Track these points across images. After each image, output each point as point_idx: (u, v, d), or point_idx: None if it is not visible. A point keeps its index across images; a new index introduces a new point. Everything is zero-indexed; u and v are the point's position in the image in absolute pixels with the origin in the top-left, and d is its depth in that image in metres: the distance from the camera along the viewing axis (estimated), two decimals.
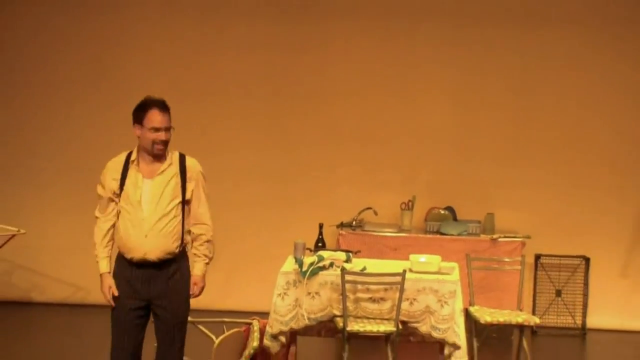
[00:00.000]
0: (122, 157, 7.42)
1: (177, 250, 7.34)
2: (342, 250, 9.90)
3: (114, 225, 7.41)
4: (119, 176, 7.32)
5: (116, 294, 7.31)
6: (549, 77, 12.39)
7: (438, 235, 11.97)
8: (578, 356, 11.74)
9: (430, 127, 12.52)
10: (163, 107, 7.29)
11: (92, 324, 11.64)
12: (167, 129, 7.29)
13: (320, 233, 10.30)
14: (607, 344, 11.98)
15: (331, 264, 9.16)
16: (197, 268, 7.54)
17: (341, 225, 12.02)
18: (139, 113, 7.29)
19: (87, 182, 12.02)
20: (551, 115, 12.36)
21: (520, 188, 12.36)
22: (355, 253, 9.93)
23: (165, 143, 7.31)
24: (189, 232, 7.49)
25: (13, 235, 11.31)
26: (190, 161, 7.46)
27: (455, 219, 12.20)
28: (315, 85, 12.55)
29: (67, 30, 12.58)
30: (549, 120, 12.38)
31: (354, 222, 12.08)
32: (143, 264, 7.28)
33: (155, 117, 7.22)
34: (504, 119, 12.39)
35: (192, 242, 7.52)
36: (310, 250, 9.74)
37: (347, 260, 9.31)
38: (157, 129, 7.22)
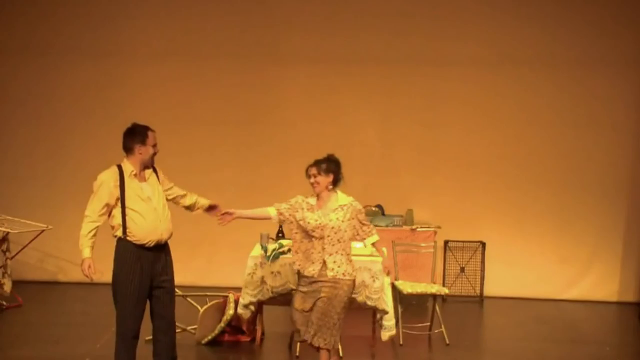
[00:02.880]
0: (115, 169, 7.40)
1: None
2: None
3: (98, 227, 7.32)
4: (118, 184, 7.29)
5: (95, 273, 7.32)
6: (450, 109, 12.42)
7: None
8: (477, 317, 11.72)
9: (362, 144, 12.47)
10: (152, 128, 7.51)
11: (104, 297, 11.47)
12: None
13: (280, 226, 10.25)
14: (499, 307, 12.01)
15: (289, 250, 9.12)
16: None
17: None
18: (141, 137, 7.39)
19: None
20: (452, 137, 12.36)
21: (432, 190, 12.36)
22: None
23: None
24: None
25: (42, 231, 11.20)
26: (158, 169, 7.60)
27: (383, 214, 12.16)
28: (271, 114, 12.46)
29: (79, 70, 12.45)
30: (451, 141, 12.40)
31: None
32: (152, 247, 7.31)
33: (153, 135, 7.43)
34: (418, 139, 12.37)
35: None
36: (273, 239, 9.69)
37: None
38: (155, 145, 7.42)
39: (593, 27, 12.19)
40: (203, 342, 9.34)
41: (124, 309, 7.37)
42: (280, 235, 10.11)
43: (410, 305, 10.76)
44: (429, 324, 10.09)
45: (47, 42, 12.39)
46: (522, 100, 12.35)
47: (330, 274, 7.55)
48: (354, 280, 7.70)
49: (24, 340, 9.45)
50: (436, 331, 9.88)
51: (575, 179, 12.36)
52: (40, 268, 12.42)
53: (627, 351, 10.10)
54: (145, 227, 7.26)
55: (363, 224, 7.82)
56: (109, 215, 7.35)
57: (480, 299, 12.28)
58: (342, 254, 7.61)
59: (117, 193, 7.26)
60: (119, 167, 7.37)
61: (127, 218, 7.26)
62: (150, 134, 7.39)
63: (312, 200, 7.79)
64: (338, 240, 7.59)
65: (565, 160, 12.36)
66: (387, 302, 9.02)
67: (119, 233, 7.30)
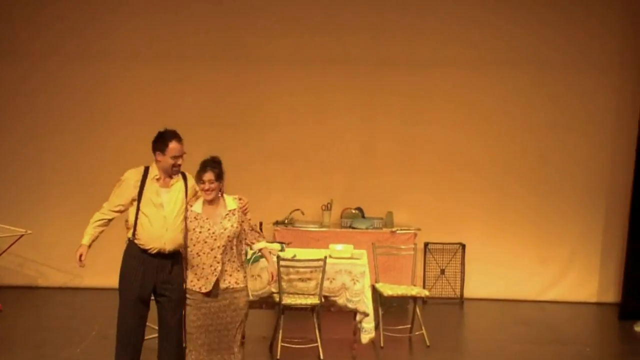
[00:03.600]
0: (141, 170, 7.32)
1: (183, 243, 7.27)
2: (277, 242, 9.87)
3: (109, 221, 7.30)
4: (138, 185, 7.23)
5: (84, 261, 7.23)
6: (431, 110, 12.41)
7: (350, 229, 11.93)
8: (458, 319, 11.74)
9: (341, 147, 12.48)
10: (179, 138, 7.28)
11: (85, 303, 11.50)
12: (182, 156, 7.29)
13: (260, 229, 10.21)
14: (479, 308, 12.05)
15: (269, 253, 9.10)
16: None
17: (276, 223, 11.94)
18: (161, 144, 7.22)
19: (82, 189, 12.10)
20: (432, 138, 12.41)
21: (412, 193, 12.36)
22: (288, 244, 9.91)
23: (181, 165, 7.31)
24: None
25: (22, 235, 11.14)
26: (189, 176, 7.41)
27: (363, 217, 12.16)
28: (253, 116, 12.41)
29: (65, 73, 12.35)
30: (431, 142, 12.42)
31: (286, 220, 12.02)
32: (157, 255, 7.20)
33: (175, 147, 7.22)
34: (397, 141, 12.41)
35: None
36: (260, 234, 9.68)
37: (282, 250, 9.30)
38: (176, 157, 7.22)
39: (576, 31, 12.23)
40: (184, 344, 9.30)
41: (123, 311, 7.31)
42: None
43: (390, 308, 10.75)
44: (409, 326, 10.11)
45: (32, 45, 12.26)
46: (503, 102, 12.38)
47: (223, 285, 7.22)
48: (247, 287, 7.43)
49: (4, 345, 9.39)
50: (417, 333, 9.90)
51: (555, 180, 12.40)
52: (20, 273, 12.34)
53: (607, 352, 10.15)
54: (151, 233, 7.18)
55: (252, 229, 7.46)
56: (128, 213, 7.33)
57: (461, 300, 12.30)
58: (234, 262, 7.27)
59: (135, 194, 7.21)
60: (146, 169, 7.31)
61: (138, 221, 7.23)
62: (172, 145, 7.20)
63: (198, 208, 7.26)
64: (231, 247, 7.23)
65: (545, 161, 12.41)
66: (368, 305, 9.02)
67: (130, 234, 7.27)
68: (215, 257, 7.15)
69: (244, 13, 12.40)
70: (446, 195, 12.41)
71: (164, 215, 7.20)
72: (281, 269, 8.81)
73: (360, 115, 12.47)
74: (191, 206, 7.28)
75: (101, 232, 7.31)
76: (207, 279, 7.18)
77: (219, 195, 7.31)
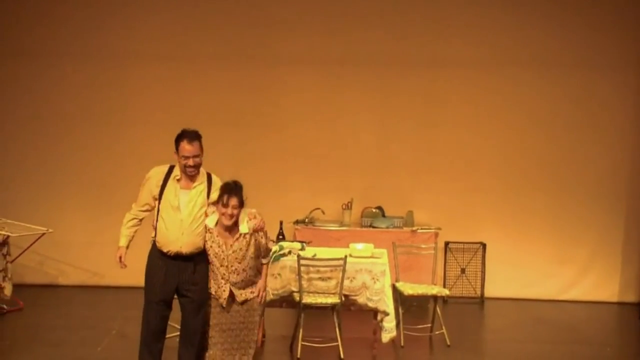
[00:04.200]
0: (165, 168, 7.31)
1: (202, 246, 7.22)
2: (298, 241, 9.85)
3: (141, 220, 7.34)
4: (160, 184, 7.22)
5: (124, 262, 7.29)
6: (450, 111, 12.37)
7: (371, 228, 11.90)
8: (478, 318, 11.70)
9: (360, 146, 12.45)
10: (191, 138, 7.17)
11: (105, 301, 11.51)
12: (196, 156, 7.18)
13: (281, 228, 10.26)
14: (499, 308, 11.99)
15: (289, 252, 9.13)
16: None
17: (297, 222, 11.92)
18: (176, 143, 7.19)
19: (101, 190, 12.09)
20: (451, 139, 12.38)
21: (432, 192, 12.32)
22: (308, 243, 9.88)
23: (195, 167, 7.20)
24: None
25: (43, 234, 11.15)
26: (215, 178, 7.35)
27: (384, 216, 12.13)
28: (272, 116, 12.39)
29: (77, 72, 12.37)
30: (450, 143, 12.38)
31: (306, 219, 12.00)
32: (177, 257, 7.16)
33: (184, 147, 7.14)
34: (417, 141, 12.38)
35: None
36: (273, 242, 9.65)
37: (302, 249, 9.29)
38: (186, 157, 7.13)
39: (593, 30, 12.18)
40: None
41: (146, 311, 7.32)
42: (280, 237, 10.10)
43: (411, 307, 10.72)
44: (430, 325, 10.07)
45: (43, 45, 12.27)
46: (522, 101, 12.33)
47: (240, 298, 7.28)
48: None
49: (25, 343, 9.42)
50: (437, 332, 9.86)
51: (575, 179, 12.34)
52: (41, 271, 12.36)
53: (628, 352, 10.09)
54: (167, 237, 7.15)
55: (267, 247, 7.41)
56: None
57: (481, 300, 12.25)
58: (249, 278, 7.28)
59: (157, 192, 7.22)
60: (170, 167, 7.30)
61: (157, 222, 7.23)
62: (182, 144, 7.14)
63: (211, 222, 7.26)
64: (243, 269, 7.23)
65: (565, 161, 12.35)
66: (388, 304, 9.01)
67: (153, 235, 7.27)
68: (223, 275, 7.24)
69: (255, 12, 12.37)
70: (466, 195, 12.36)
71: (181, 218, 7.16)
72: (302, 268, 8.80)
73: (379, 115, 12.44)
74: (206, 216, 7.25)
75: (135, 231, 7.37)
76: (220, 287, 7.26)
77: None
